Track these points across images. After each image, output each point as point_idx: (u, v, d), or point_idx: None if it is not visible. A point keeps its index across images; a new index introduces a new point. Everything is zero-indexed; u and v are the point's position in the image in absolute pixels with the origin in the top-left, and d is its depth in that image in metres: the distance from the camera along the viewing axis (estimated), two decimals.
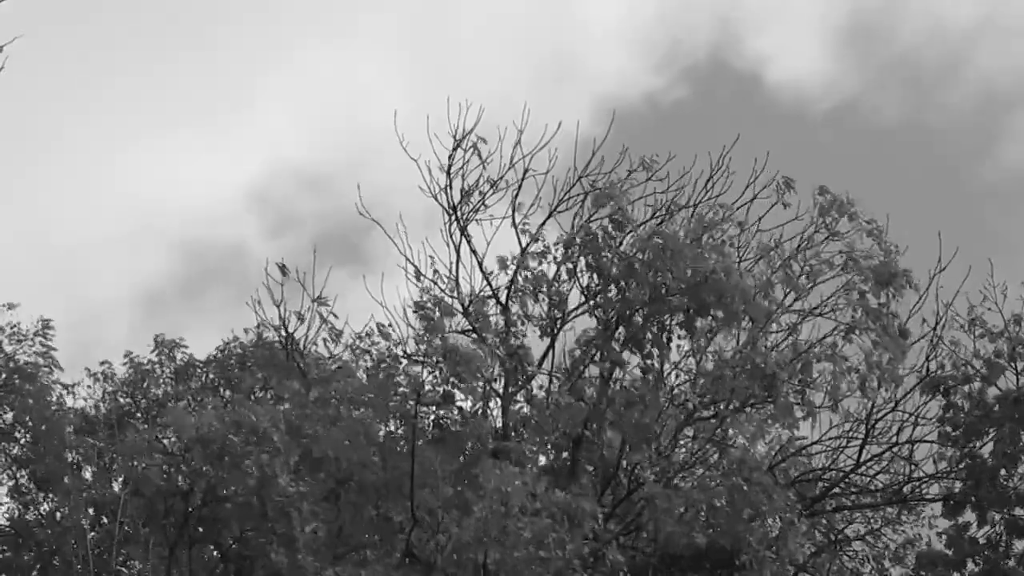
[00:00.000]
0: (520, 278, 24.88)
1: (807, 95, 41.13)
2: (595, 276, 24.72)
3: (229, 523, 22.59)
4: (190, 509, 22.30)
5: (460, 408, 23.84)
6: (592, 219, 24.92)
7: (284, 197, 43.97)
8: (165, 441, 23.60)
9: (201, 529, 22.81)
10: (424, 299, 23.88)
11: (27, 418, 24.82)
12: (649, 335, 24.49)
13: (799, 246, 25.26)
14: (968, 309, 26.03)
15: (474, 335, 24.12)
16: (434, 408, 23.66)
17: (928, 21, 44.61)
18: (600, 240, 24.65)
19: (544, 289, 24.80)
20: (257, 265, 25.33)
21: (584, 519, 22.29)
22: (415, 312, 23.70)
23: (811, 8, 40.62)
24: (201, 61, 46.28)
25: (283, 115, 47.00)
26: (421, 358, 23.63)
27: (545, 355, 24.97)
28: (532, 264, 24.88)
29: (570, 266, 24.81)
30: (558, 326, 24.86)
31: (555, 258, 24.83)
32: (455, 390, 23.35)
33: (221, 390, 25.96)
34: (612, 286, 24.56)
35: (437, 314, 23.46)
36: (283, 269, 24.27)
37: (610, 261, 24.52)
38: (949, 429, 25.98)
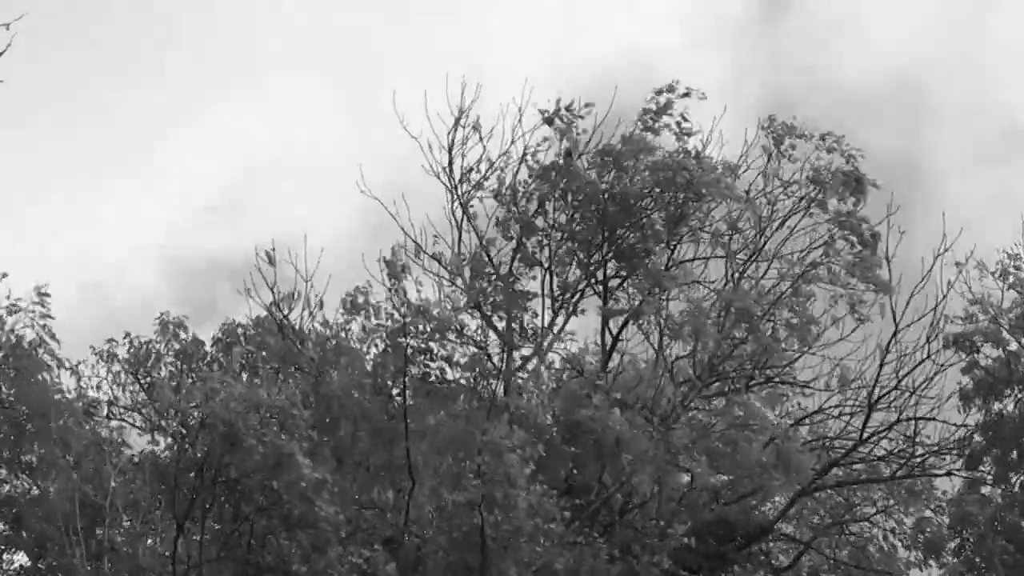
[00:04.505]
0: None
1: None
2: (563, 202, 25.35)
3: (238, 503, 22.45)
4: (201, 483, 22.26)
5: (441, 370, 24.05)
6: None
7: (196, 244, 44.74)
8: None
9: (212, 506, 22.62)
10: (394, 258, 24.33)
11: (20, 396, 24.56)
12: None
13: (764, 176, 26.10)
14: (999, 259, 25.54)
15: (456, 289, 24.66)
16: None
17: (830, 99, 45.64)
18: (558, 170, 25.24)
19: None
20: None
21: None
22: (383, 271, 24.21)
23: (722, 85, 41.47)
24: (121, 107, 47.40)
25: (201, 163, 47.84)
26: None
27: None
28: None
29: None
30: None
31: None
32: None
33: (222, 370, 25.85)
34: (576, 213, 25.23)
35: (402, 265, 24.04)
36: (270, 256, 25.03)
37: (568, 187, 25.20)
38: (971, 385, 25.41)
